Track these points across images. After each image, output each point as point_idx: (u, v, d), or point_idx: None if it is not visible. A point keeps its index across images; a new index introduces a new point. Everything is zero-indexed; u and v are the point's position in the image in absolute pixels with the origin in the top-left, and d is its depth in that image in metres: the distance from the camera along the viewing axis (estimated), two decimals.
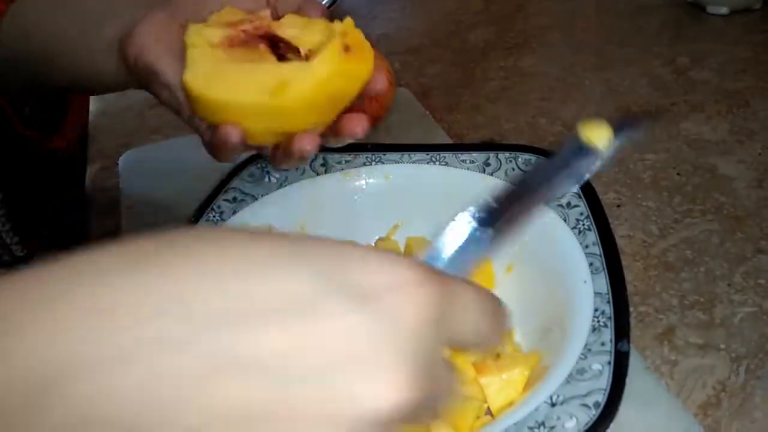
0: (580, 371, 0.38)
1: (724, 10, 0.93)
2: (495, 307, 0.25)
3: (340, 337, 0.19)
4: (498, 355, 0.47)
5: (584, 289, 0.43)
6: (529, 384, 0.42)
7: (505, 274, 0.53)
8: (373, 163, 0.57)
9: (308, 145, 0.39)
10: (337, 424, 0.19)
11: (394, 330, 0.19)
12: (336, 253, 0.20)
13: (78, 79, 0.45)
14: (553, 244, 0.48)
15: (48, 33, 0.45)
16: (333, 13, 0.96)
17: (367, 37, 0.42)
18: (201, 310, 0.18)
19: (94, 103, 0.73)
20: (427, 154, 0.56)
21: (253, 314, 0.18)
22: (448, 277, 0.22)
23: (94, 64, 0.43)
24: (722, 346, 0.50)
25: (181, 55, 0.38)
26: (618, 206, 0.63)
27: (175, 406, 0.18)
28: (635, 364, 0.39)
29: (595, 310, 0.42)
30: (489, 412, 0.43)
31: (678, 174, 0.66)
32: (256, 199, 0.53)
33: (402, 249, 0.56)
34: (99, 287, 0.18)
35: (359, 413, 0.19)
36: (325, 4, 0.99)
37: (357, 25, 0.42)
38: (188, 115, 0.40)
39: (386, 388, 0.19)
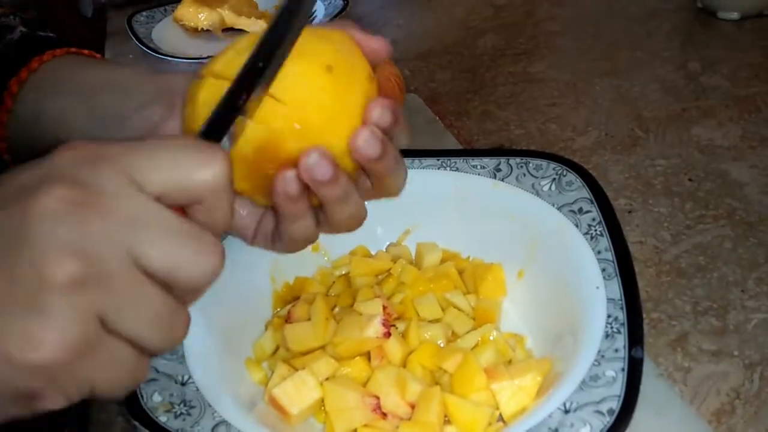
0: (594, 378, 0.38)
1: (735, 16, 0.92)
2: (184, 224, 0.26)
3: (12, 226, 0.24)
4: (510, 361, 0.47)
5: (597, 295, 0.43)
6: (542, 390, 0.42)
7: (516, 279, 0.52)
8: None
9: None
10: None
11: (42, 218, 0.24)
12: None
13: None
14: (565, 250, 0.48)
15: (58, 115, 0.42)
16: (343, 20, 0.97)
17: None
18: None
19: None
20: (438, 160, 0.56)
21: None
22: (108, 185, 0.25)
23: None
24: (736, 353, 0.50)
25: None
26: (629, 212, 0.63)
27: None
28: (648, 370, 0.39)
29: (608, 316, 0.42)
30: (501, 418, 0.43)
31: (690, 180, 0.66)
32: None
33: (413, 255, 0.56)
34: None
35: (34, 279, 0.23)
36: (331, 14, 1.00)
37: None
38: (250, 239, 0.37)
39: (51, 263, 0.24)
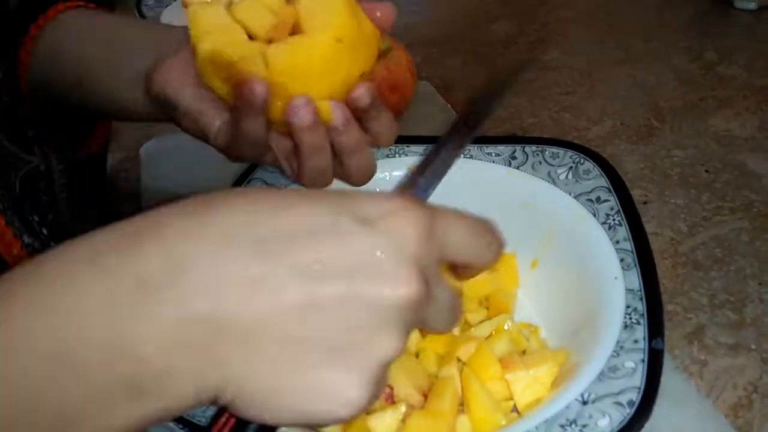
0: (613, 369, 0.37)
1: (752, 6, 0.91)
2: (482, 224, 0.30)
3: (360, 250, 0.25)
4: (524, 352, 0.46)
5: (615, 285, 0.42)
6: (557, 381, 0.41)
7: (530, 269, 0.52)
8: (396, 155, 0.56)
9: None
10: (359, 311, 0.24)
11: (395, 243, 0.25)
12: (341, 194, 0.27)
13: (104, 105, 0.46)
14: (582, 240, 0.47)
15: (77, 58, 0.46)
16: None
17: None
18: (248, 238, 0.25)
19: None
20: None
21: (288, 236, 0.25)
22: (432, 205, 0.28)
23: (121, 93, 0.44)
24: (753, 347, 0.49)
25: (199, 86, 0.39)
26: (645, 203, 0.62)
27: (235, 311, 0.24)
28: (665, 363, 0.38)
29: (627, 307, 0.41)
30: (515, 409, 0.42)
31: (707, 171, 0.65)
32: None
33: None
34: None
35: (377, 302, 0.25)
36: None
37: None
38: (213, 134, 0.40)
39: (395, 282, 0.25)
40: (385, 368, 0.26)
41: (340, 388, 0.25)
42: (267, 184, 0.53)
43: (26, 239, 0.40)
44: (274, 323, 0.24)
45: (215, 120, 0.40)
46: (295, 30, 0.37)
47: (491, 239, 0.30)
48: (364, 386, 0.25)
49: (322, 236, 0.25)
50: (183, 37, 0.40)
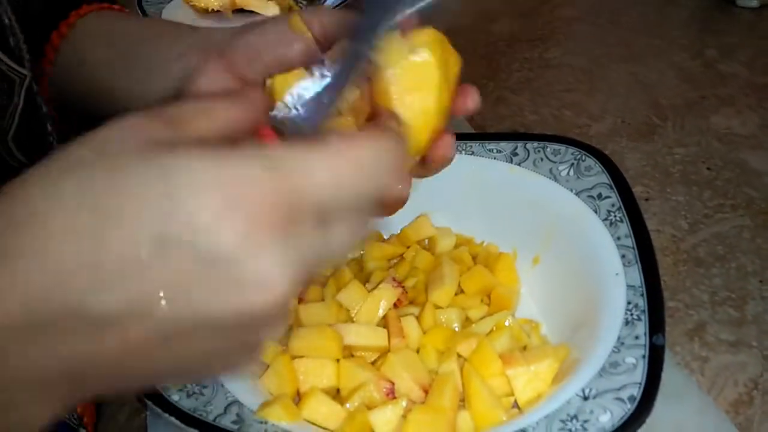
0: (614, 365, 0.37)
1: (754, 3, 0.91)
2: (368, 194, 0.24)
3: (196, 271, 0.21)
4: (525, 347, 0.46)
5: (616, 281, 0.42)
6: (558, 377, 0.41)
7: (531, 266, 0.52)
8: None
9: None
10: (221, 334, 0.22)
11: (235, 255, 0.21)
12: (161, 204, 0.21)
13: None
14: (584, 236, 0.47)
15: (100, 64, 0.43)
16: (355, 3, 0.95)
17: None
18: None
19: None
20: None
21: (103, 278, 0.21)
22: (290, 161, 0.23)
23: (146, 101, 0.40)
24: (754, 344, 0.49)
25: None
26: (646, 200, 0.62)
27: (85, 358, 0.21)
28: (665, 359, 0.38)
29: (628, 303, 0.41)
30: (516, 405, 0.42)
31: (708, 168, 0.65)
32: None
33: (426, 240, 0.55)
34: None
35: (240, 320, 0.22)
36: (335, 1, 0.98)
37: None
38: None
39: (251, 295, 0.22)
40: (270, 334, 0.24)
41: (229, 368, 0.25)
42: None
43: None
44: (131, 362, 0.22)
45: None
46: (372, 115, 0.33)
47: (389, 166, 0.25)
48: (256, 352, 0.25)
49: (150, 269, 0.21)
50: (212, 40, 0.37)
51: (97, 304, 0.21)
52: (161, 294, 0.21)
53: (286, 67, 0.33)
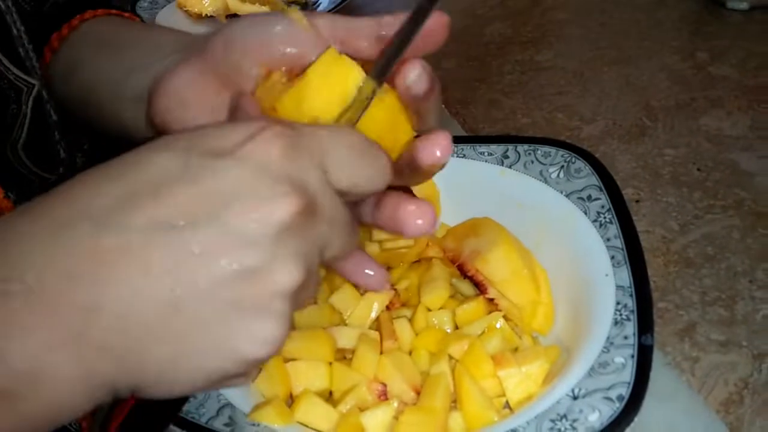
0: (603, 364, 0.38)
1: (744, 6, 0.91)
2: (365, 142, 0.28)
3: (219, 186, 0.23)
4: (516, 349, 0.46)
5: (606, 282, 0.43)
6: (549, 378, 0.42)
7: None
8: None
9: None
10: (240, 250, 0.23)
11: (256, 167, 0.23)
12: (190, 134, 0.25)
13: (110, 127, 0.42)
14: (573, 238, 0.48)
15: (87, 76, 0.42)
16: (346, 9, 0.95)
17: None
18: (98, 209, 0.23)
19: None
20: None
21: (133, 196, 0.23)
22: (298, 124, 0.26)
23: (123, 113, 0.39)
24: (744, 343, 0.49)
25: (206, 115, 0.34)
26: (637, 201, 0.62)
27: (97, 291, 0.22)
28: (655, 359, 0.39)
29: (617, 303, 0.41)
30: (507, 405, 0.43)
31: (698, 169, 0.65)
32: None
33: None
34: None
35: (255, 233, 0.23)
36: (336, 2, 0.99)
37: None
38: None
39: (267, 206, 0.23)
40: (290, 297, 0.24)
41: (250, 334, 0.24)
42: None
43: None
44: (150, 292, 0.22)
45: None
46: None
47: (375, 155, 0.28)
48: (275, 322, 0.24)
49: (173, 185, 0.23)
50: (186, 43, 0.36)
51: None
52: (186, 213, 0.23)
53: (282, 61, 0.33)
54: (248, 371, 0.25)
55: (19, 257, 0.22)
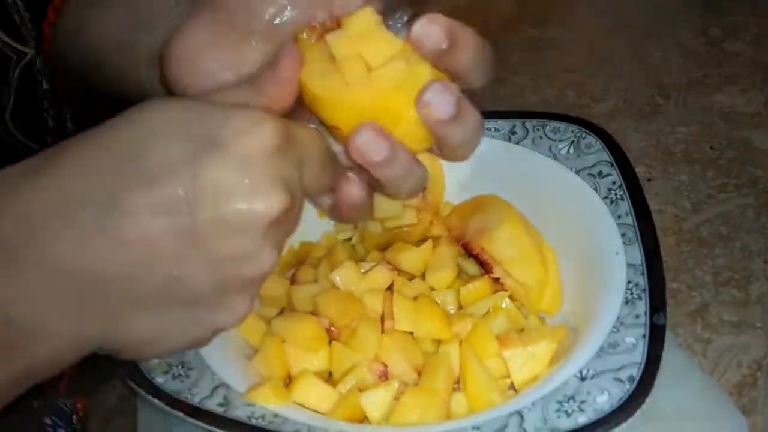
0: (613, 344, 0.36)
1: None
2: (330, 155, 0.32)
3: (216, 176, 0.25)
4: (522, 329, 0.45)
5: (616, 260, 0.41)
6: (556, 358, 0.40)
7: None
8: None
9: None
10: (230, 235, 0.26)
11: (248, 162, 0.26)
12: (193, 118, 0.27)
13: (122, 89, 0.39)
14: (583, 215, 0.46)
15: (94, 36, 0.39)
16: None
17: None
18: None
19: None
20: None
21: (142, 179, 0.25)
22: (287, 121, 0.28)
23: (137, 75, 0.37)
24: (758, 325, 0.48)
25: (219, 74, 0.32)
26: (649, 180, 0.60)
27: (100, 260, 0.25)
28: (666, 340, 0.37)
29: (628, 282, 0.40)
30: (512, 387, 0.41)
31: (711, 147, 0.63)
32: None
33: None
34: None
35: (243, 222, 0.26)
36: None
37: None
38: None
39: (256, 199, 0.26)
40: (265, 278, 0.28)
41: (230, 309, 0.28)
42: None
43: None
44: (149, 266, 0.25)
45: None
46: None
47: (332, 170, 0.32)
48: (249, 301, 0.28)
49: (172, 172, 0.25)
50: None
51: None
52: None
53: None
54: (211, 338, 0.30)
55: (30, 217, 0.25)
